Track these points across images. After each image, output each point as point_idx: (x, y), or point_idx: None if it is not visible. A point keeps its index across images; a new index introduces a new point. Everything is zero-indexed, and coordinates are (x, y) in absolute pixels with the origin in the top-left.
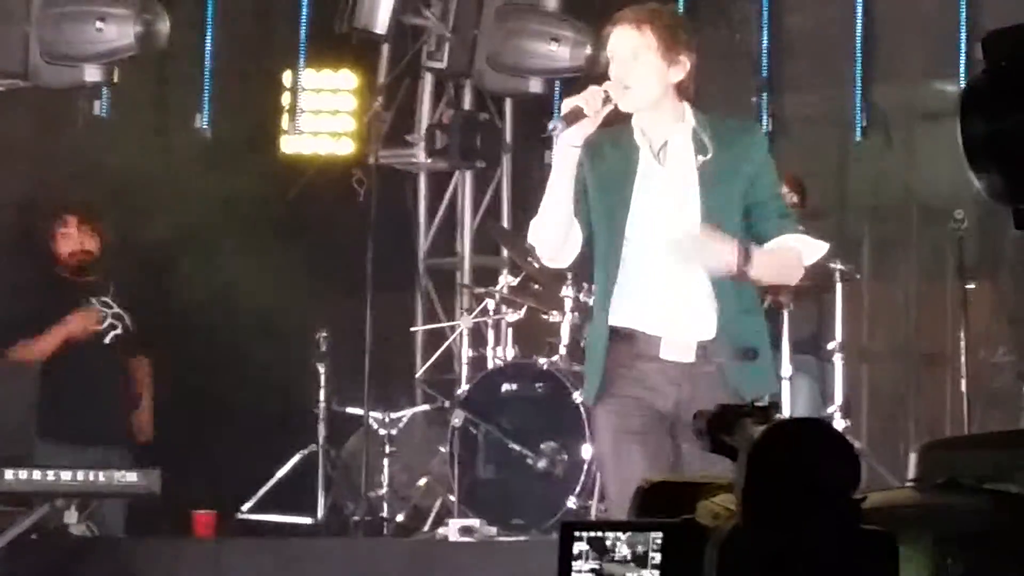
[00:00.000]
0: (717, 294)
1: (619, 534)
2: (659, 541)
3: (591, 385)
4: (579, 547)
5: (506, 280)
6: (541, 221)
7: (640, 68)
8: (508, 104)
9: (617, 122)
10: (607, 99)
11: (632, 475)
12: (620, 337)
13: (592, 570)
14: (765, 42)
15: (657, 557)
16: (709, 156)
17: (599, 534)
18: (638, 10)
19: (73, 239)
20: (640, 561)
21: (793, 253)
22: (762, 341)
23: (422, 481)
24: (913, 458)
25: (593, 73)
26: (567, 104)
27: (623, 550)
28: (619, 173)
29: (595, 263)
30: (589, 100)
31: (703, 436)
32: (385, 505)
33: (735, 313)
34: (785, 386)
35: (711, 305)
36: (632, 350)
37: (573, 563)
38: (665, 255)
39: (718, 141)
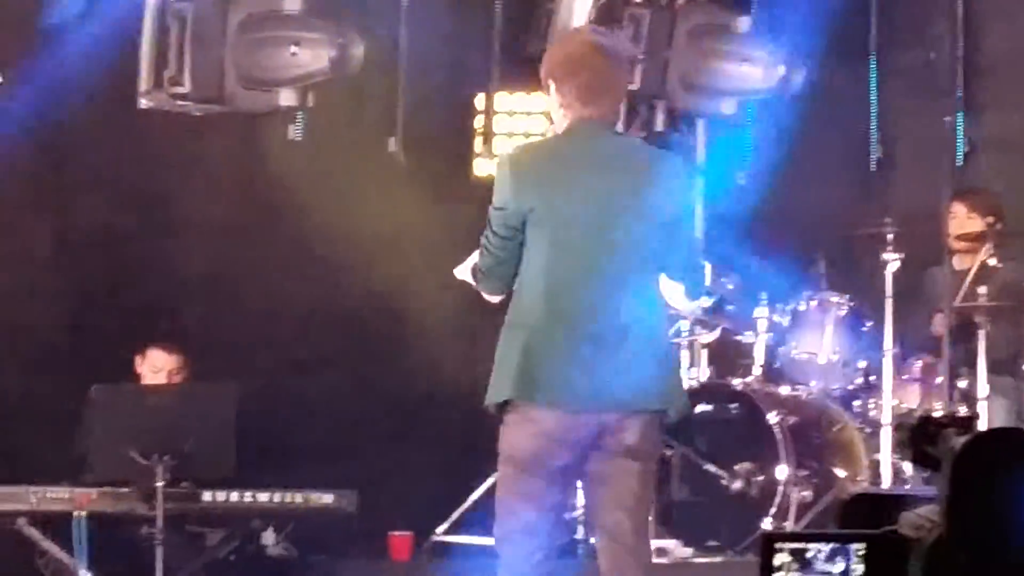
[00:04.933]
0: None
1: (821, 545)
2: (861, 552)
3: None
4: (780, 559)
5: (700, 301)
6: None
7: None
8: (700, 125)
9: None
10: None
11: None
12: None
13: None
14: (960, 62)
15: (859, 569)
16: None
17: (800, 545)
18: None
19: None
20: (843, 572)
21: None
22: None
23: None
24: None
25: (787, 91)
26: None
27: (825, 561)
28: None
29: None
30: None
31: (905, 447)
32: (579, 526)
33: None
34: (982, 406)
35: None
36: None
37: (774, 575)
38: None
39: None
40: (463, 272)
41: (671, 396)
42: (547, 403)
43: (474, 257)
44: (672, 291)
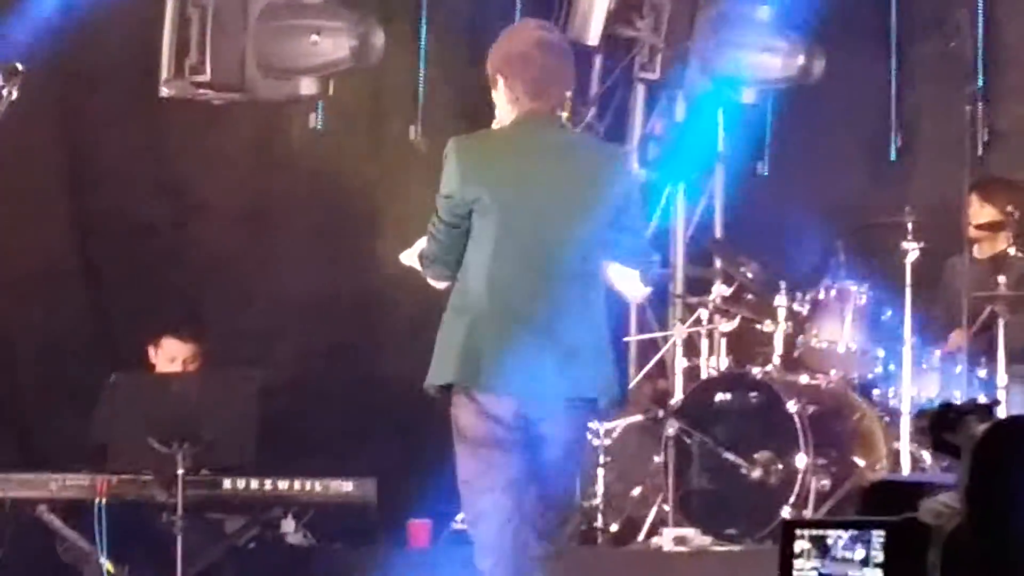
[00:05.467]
0: None
1: (841, 532)
2: (881, 539)
3: None
4: (800, 546)
5: (719, 290)
6: None
7: None
8: (720, 114)
9: None
10: None
11: None
12: None
13: (814, 568)
14: (980, 51)
15: (879, 556)
16: None
17: (821, 532)
18: None
19: None
20: (863, 559)
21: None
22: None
23: (636, 491)
24: None
25: (807, 81)
26: None
27: (845, 548)
28: None
29: None
30: None
31: (925, 434)
32: (599, 515)
33: None
34: (1001, 395)
35: None
36: None
37: (794, 561)
38: None
39: None
40: (409, 258)
41: (606, 386)
42: (489, 388)
43: (421, 243)
44: (624, 279)
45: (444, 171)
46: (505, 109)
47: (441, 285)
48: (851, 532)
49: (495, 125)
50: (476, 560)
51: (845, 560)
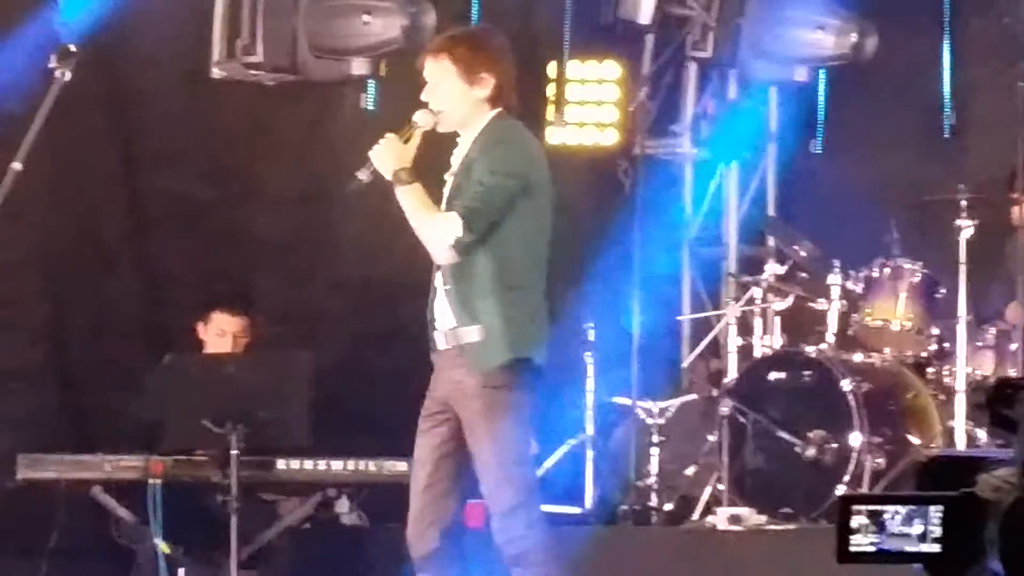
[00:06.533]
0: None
1: (898, 508)
2: (939, 514)
3: None
4: (857, 521)
5: (773, 268)
6: None
7: (444, 94)
8: (773, 92)
9: None
10: (411, 126)
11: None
12: None
13: (871, 544)
14: None
15: (936, 531)
16: (456, 168)
17: (878, 507)
18: (438, 40)
19: None
20: (920, 534)
21: (429, 216)
22: (491, 320)
23: (690, 470)
24: None
25: (859, 58)
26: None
27: (903, 524)
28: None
29: None
30: (389, 142)
31: (983, 409)
32: (653, 494)
33: (467, 298)
34: None
35: (448, 295)
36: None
37: (851, 537)
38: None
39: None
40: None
41: None
42: (541, 365)
43: (440, 216)
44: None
45: (513, 152)
46: (474, 102)
47: (452, 257)
48: (908, 507)
49: (426, 123)
50: (528, 530)
51: (903, 535)
